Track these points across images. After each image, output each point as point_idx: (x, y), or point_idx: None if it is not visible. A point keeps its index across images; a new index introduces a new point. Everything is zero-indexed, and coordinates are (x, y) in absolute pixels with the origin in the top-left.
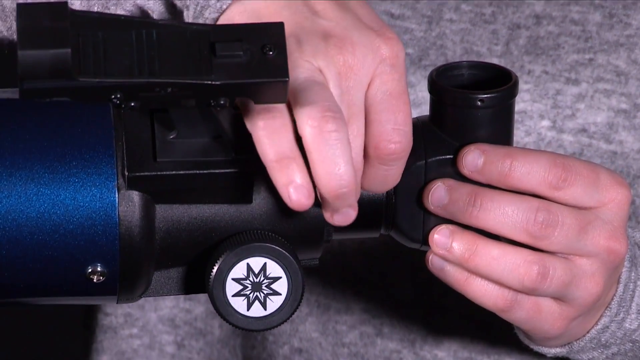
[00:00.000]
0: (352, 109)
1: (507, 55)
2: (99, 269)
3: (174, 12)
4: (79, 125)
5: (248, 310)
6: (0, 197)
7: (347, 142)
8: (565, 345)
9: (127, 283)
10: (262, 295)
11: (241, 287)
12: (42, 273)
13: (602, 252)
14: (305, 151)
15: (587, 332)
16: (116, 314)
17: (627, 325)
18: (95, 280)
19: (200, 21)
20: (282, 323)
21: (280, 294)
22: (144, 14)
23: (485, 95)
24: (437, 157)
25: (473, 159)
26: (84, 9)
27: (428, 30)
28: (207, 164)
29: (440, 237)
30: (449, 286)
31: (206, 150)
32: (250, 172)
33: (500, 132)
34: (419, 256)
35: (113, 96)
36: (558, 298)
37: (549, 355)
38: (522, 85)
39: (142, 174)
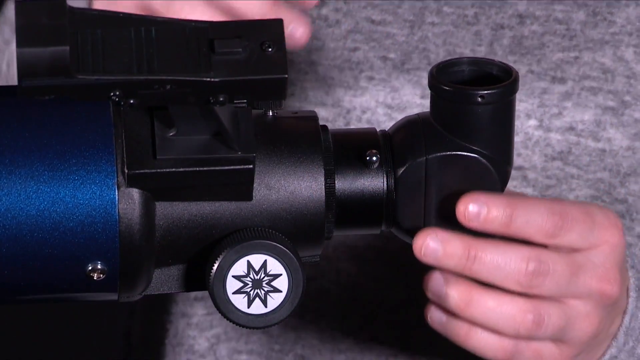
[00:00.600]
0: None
1: (491, 56)
2: (99, 266)
3: None
4: (79, 122)
5: (248, 307)
6: (0, 195)
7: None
8: None
9: (128, 281)
10: (263, 292)
11: (242, 284)
12: (42, 271)
13: (594, 293)
14: None
15: None
16: None
17: (639, 351)
18: (95, 278)
19: None
20: (283, 320)
21: (281, 291)
22: None
23: (486, 92)
24: (438, 154)
25: (475, 210)
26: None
27: (410, 35)
28: (207, 161)
29: (434, 284)
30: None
31: (206, 148)
32: (251, 169)
33: (500, 129)
34: (414, 259)
35: (112, 94)
36: (557, 339)
37: None
38: None
39: (142, 171)
